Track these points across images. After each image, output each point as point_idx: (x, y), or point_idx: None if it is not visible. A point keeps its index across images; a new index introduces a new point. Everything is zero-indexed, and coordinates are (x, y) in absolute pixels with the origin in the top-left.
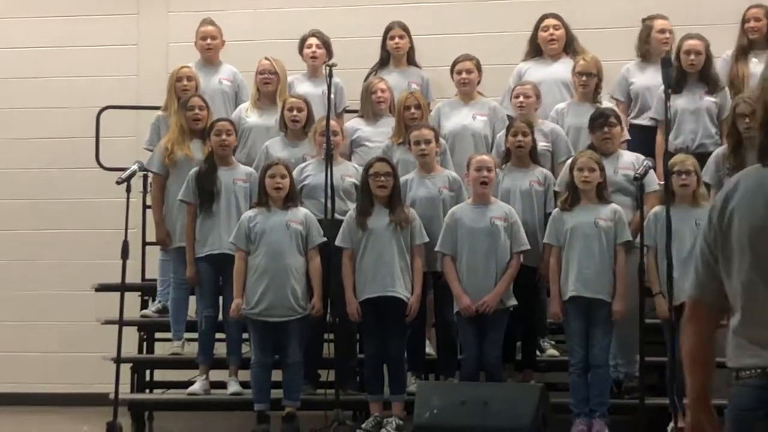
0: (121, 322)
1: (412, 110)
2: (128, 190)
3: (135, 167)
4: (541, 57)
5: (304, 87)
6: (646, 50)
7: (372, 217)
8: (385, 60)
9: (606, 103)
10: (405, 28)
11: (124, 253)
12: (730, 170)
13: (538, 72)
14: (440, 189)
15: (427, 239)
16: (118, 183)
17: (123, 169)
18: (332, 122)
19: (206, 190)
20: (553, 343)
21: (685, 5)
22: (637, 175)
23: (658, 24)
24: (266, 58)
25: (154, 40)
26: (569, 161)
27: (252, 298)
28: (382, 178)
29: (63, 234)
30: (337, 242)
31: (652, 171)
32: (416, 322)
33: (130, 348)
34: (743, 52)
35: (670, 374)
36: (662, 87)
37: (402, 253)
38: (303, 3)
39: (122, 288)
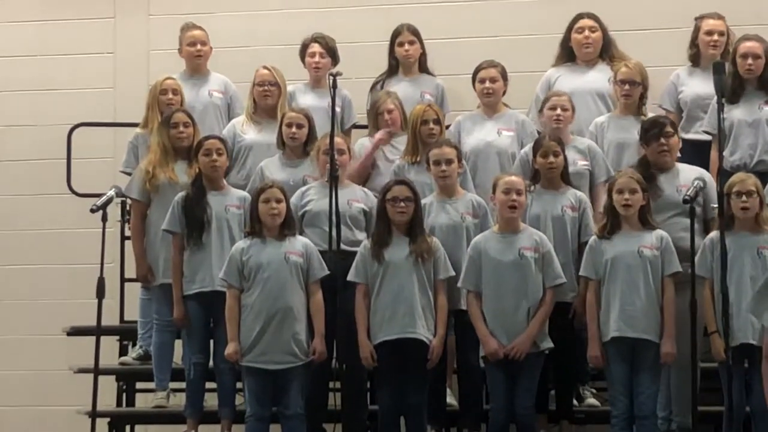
0: (97, 371)
1: (431, 125)
2: (104, 219)
3: (112, 193)
4: (574, 63)
5: (306, 99)
6: (696, 54)
7: (390, 247)
8: (393, 68)
9: (652, 115)
10: (415, 32)
11: (100, 292)
12: None
13: (570, 80)
14: (463, 215)
15: (452, 273)
16: (92, 211)
17: (98, 195)
18: (338, 139)
19: (195, 219)
20: (593, 391)
21: (743, 2)
22: (687, 197)
23: (706, 24)
24: (265, 67)
25: (133, 47)
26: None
27: (247, 342)
28: (402, 204)
29: (30, 269)
30: (350, 277)
31: (713, 190)
32: (436, 368)
33: (108, 400)
34: None
35: (727, 425)
36: (716, 96)
37: (424, 288)
38: (303, 3)
39: (98, 332)
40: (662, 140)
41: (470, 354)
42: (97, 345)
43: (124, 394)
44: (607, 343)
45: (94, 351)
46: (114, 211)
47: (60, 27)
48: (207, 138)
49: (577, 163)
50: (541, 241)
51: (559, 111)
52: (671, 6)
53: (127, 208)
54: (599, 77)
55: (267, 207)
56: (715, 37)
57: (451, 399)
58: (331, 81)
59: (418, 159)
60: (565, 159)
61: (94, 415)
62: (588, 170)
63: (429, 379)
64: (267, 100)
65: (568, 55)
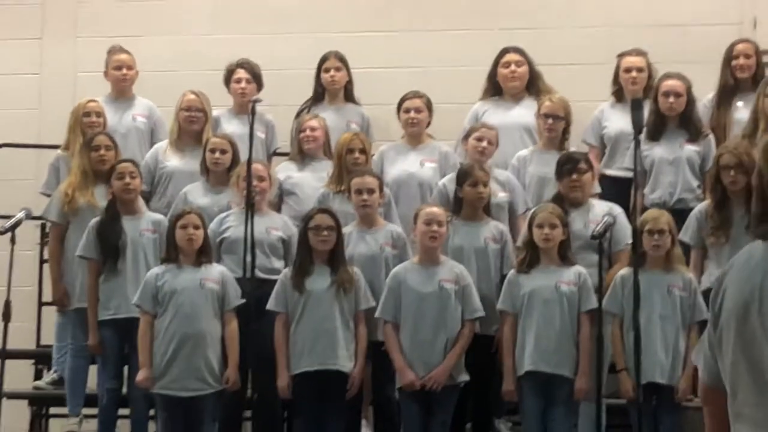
0: (0, 395)
1: (356, 154)
2: (13, 241)
3: (21, 215)
4: (501, 97)
5: (231, 125)
6: (619, 90)
7: (311, 277)
8: (319, 95)
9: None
10: (342, 59)
11: (6, 315)
12: (714, 229)
13: (497, 115)
14: (382, 246)
15: (373, 303)
16: (1, 233)
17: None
18: (259, 166)
19: (109, 244)
20: (509, 424)
21: (665, 38)
22: (595, 233)
23: (625, 62)
24: (192, 92)
25: (59, 68)
26: (529, 216)
27: (159, 368)
28: (325, 233)
29: None
30: (270, 306)
31: (623, 225)
32: (353, 399)
33: (22, 425)
34: (727, 94)
35: None
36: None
37: (345, 319)
38: (231, 29)
39: (2, 355)
40: (574, 176)
41: (387, 385)
42: (1, 369)
43: (42, 420)
44: (521, 377)
45: None
46: (33, 234)
47: None
48: (121, 161)
49: (498, 194)
50: (461, 274)
51: (485, 143)
52: (598, 41)
53: (47, 230)
54: (526, 112)
55: (184, 233)
56: (633, 74)
57: (366, 430)
58: (250, 107)
59: (343, 188)
60: (489, 192)
61: None
62: (508, 202)
63: (346, 410)
64: (193, 125)
65: (494, 88)
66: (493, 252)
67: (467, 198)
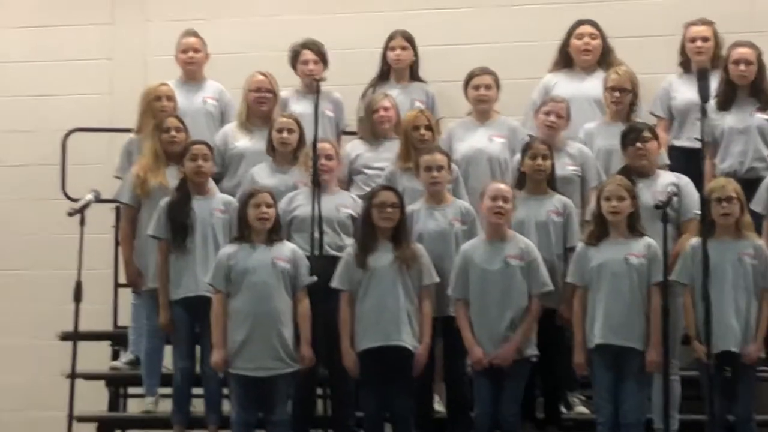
0: (74, 375)
1: (422, 131)
2: (82, 223)
3: (90, 197)
4: (572, 69)
5: (300, 106)
6: (686, 61)
7: (374, 254)
8: (384, 74)
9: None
10: (409, 38)
11: (77, 296)
12: None
13: (568, 86)
14: (452, 222)
15: (437, 279)
16: (69, 215)
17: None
18: (327, 145)
19: (179, 223)
20: (582, 398)
21: (734, 8)
22: (658, 203)
23: (690, 31)
24: (261, 73)
25: (130, 53)
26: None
27: (233, 348)
28: (389, 209)
29: (25, 275)
30: (334, 284)
31: (691, 194)
32: (424, 375)
33: (101, 405)
34: None
35: None
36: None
37: (409, 295)
38: (299, 9)
39: (75, 337)
40: (638, 144)
41: (458, 361)
42: (74, 349)
43: (121, 400)
44: (592, 350)
45: (71, 356)
46: (109, 216)
47: (58, 33)
48: (194, 143)
49: (566, 167)
50: (527, 249)
51: (553, 117)
52: (666, 12)
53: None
54: (597, 84)
55: (257, 211)
56: (699, 43)
57: (438, 406)
58: (315, 86)
59: (410, 165)
60: (553, 165)
61: (70, 419)
62: (577, 175)
63: (414, 386)
64: (262, 106)
65: (565, 60)
66: (555, 225)
67: (528, 171)
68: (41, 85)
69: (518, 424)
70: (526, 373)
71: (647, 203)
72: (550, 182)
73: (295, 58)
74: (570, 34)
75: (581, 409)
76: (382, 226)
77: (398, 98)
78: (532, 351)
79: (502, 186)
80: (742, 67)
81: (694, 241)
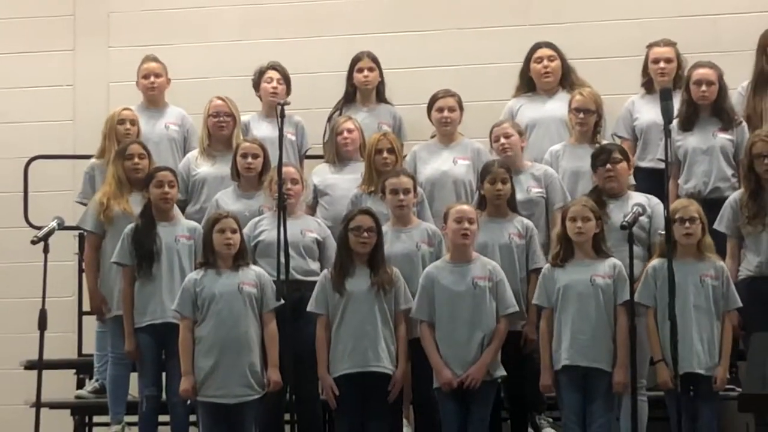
0: (39, 404)
1: (385, 154)
2: (45, 250)
3: (53, 224)
4: (534, 93)
5: (261, 129)
6: (649, 82)
7: (351, 278)
8: (350, 95)
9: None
10: (375, 60)
11: (42, 324)
12: (750, 218)
13: (532, 110)
14: (418, 243)
15: (412, 303)
16: (33, 243)
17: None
18: (291, 169)
19: (144, 250)
20: (550, 420)
21: (696, 29)
22: (624, 223)
23: (653, 52)
24: (219, 98)
25: (92, 79)
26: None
27: (201, 375)
28: (365, 234)
29: None
30: (310, 307)
31: (661, 215)
32: (394, 399)
33: None
34: (763, 81)
35: None
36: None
37: (385, 320)
38: (259, 34)
39: (40, 365)
40: (609, 166)
41: (425, 384)
42: (39, 378)
43: (85, 428)
44: (559, 371)
45: (36, 385)
46: (72, 244)
47: (20, 60)
48: (158, 169)
49: (531, 190)
50: (494, 270)
51: (502, 140)
52: (628, 33)
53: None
54: (560, 105)
55: (222, 237)
56: (662, 64)
57: (407, 430)
58: (278, 111)
59: (374, 188)
60: (513, 187)
61: None
62: (542, 197)
63: (389, 410)
64: (222, 131)
65: (527, 84)
66: (517, 248)
67: (488, 195)
68: (2, 112)
69: None
70: (493, 395)
71: (616, 224)
72: (511, 204)
73: (259, 78)
74: (529, 58)
75: (549, 430)
76: (359, 250)
77: (365, 121)
78: (500, 372)
79: (467, 207)
80: (703, 87)
81: (656, 262)
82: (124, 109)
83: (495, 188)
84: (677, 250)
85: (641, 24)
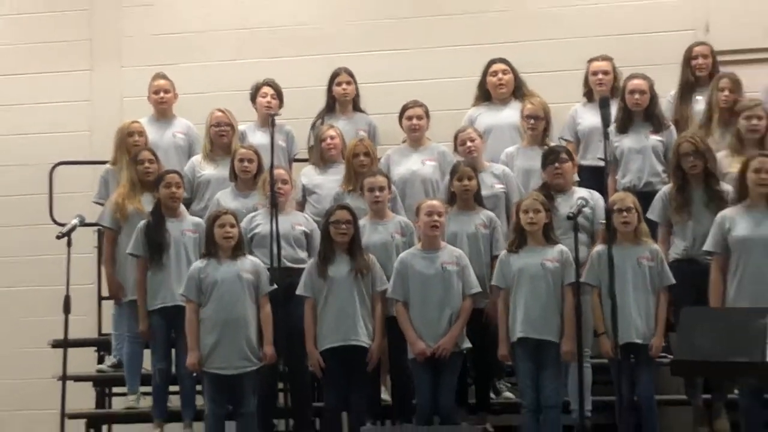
0: (65, 377)
1: (361, 158)
2: (69, 244)
3: (75, 221)
4: (491, 102)
5: (256, 137)
6: (589, 92)
7: (333, 265)
8: (331, 106)
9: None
10: (351, 74)
11: (66, 308)
12: (677, 209)
13: (489, 117)
14: (393, 234)
15: (387, 285)
16: (58, 238)
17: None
18: (281, 171)
19: (155, 243)
20: (509, 385)
21: (630, 46)
22: (569, 214)
23: (592, 66)
24: (219, 110)
25: (107, 94)
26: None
27: (206, 350)
28: (343, 226)
29: (20, 291)
30: (299, 291)
31: (601, 207)
32: (372, 369)
33: (89, 403)
34: (688, 90)
35: (618, 412)
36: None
37: (363, 300)
38: (254, 54)
39: (65, 344)
40: (556, 165)
41: (401, 356)
42: (65, 355)
43: (107, 398)
44: (514, 343)
45: (62, 360)
46: (92, 238)
47: (44, 78)
48: (167, 172)
49: (494, 186)
50: (460, 256)
51: (468, 143)
52: (571, 50)
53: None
54: (513, 113)
55: (222, 231)
56: (599, 76)
57: (385, 395)
58: (270, 121)
59: (353, 187)
60: (478, 183)
61: (62, 416)
62: (504, 192)
63: (368, 379)
64: (222, 138)
65: (484, 95)
66: (483, 237)
67: (456, 191)
68: (30, 124)
69: (454, 410)
70: (460, 363)
71: (563, 215)
72: (477, 199)
73: (255, 93)
74: (485, 72)
75: (508, 394)
76: (338, 240)
77: (344, 128)
78: (466, 344)
79: (436, 203)
80: (636, 96)
81: (599, 247)
82: (133, 122)
83: (463, 185)
84: (617, 236)
85: (582, 42)
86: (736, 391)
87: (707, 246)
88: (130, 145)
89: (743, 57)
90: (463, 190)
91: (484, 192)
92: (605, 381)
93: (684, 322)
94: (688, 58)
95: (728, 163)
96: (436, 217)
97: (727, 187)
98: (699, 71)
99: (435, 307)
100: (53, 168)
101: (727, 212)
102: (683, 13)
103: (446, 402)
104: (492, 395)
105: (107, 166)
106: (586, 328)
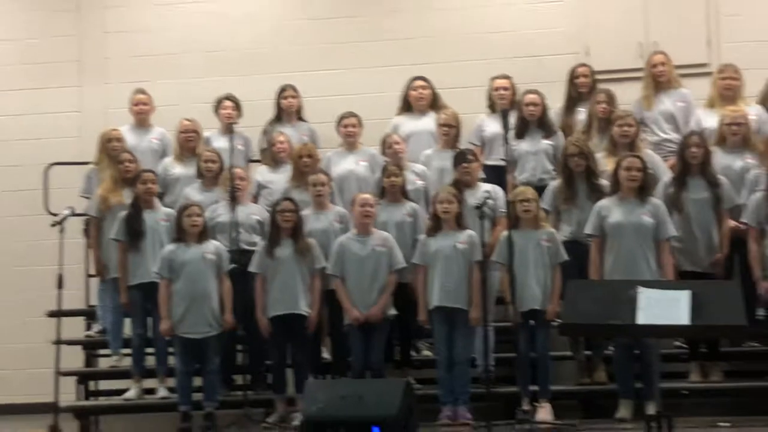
0: (59, 342)
1: (306, 159)
2: (62, 231)
3: (67, 212)
4: (412, 112)
5: (219, 142)
6: (492, 104)
7: (279, 247)
8: (279, 116)
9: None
10: (296, 90)
11: (60, 284)
12: (565, 200)
13: (410, 125)
14: (332, 222)
15: (324, 264)
16: (52, 226)
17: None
18: (239, 170)
19: (134, 230)
20: (427, 345)
21: (526, 67)
22: (476, 205)
23: (494, 83)
24: (187, 120)
25: (94, 107)
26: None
27: (175, 318)
28: (288, 214)
29: (21, 270)
30: (251, 268)
31: (501, 199)
32: (315, 333)
33: (79, 363)
34: (572, 103)
35: (519, 366)
36: (505, 133)
37: (304, 276)
38: (218, 73)
39: (59, 314)
40: (465, 165)
41: (339, 322)
42: (59, 323)
43: (92, 359)
44: (432, 310)
45: (56, 327)
46: (80, 226)
47: (41, 93)
48: (144, 171)
49: (416, 182)
50: (387, 239)
51: (393, 147)
52: (478, 70)
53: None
54: (430, 122)
55: (189, 220)
56: (501, 92)
57: (325, 354)
58: (229, 129)
59: (298, 184)
60: (404, 179)
61: (57, 374)
62: (424, 187)
63: (309, 341)
64: (189, 143)
65: (407, 106)
66: (407, 224)
67: (386, 186)
68: (29, 131)
69: (382, 365)
70: (387, 328)
71: (472, 206)
72: (403, 193)
73: (218, 105)
74: (408, 88)
75: (426, 352)
76: (284, 226)
77: (290, 134)
78: (392, 311)
79: (368, 196)
80: (531, 108)
81: (504, 232)
82: (113, 130)
83: (390, 181)
84: (521, 222)
85: (486, 63)
86: (611, 348)
87: (587, 230)
88: (109, 149)
89: (617, 76)
90: (390, 186)
91: (407, 187)
92: (509, 341)
93: (570, 292)
94: (572, 77)
95: (605, 162)
96: (368, 208)
97: (605, 182)
98: (581, 88)
99: (367, 282)
100: (48, 168)
101: (603, 202)
102: (568, 39)
103: (376, 359)
104: (413, 353)
105: (91, 166)
106: (490, 298)
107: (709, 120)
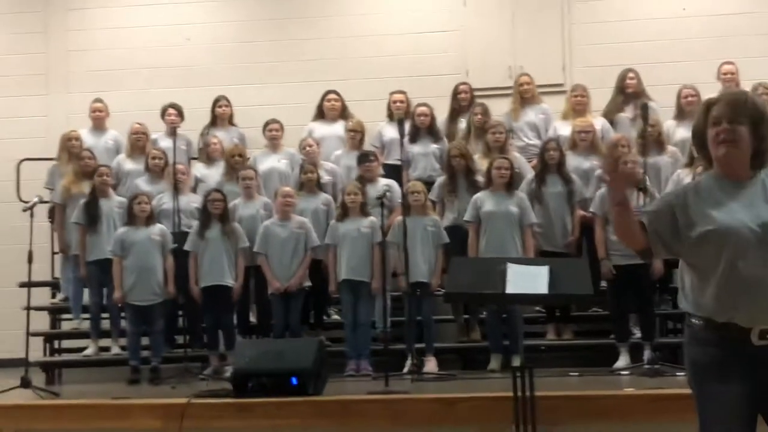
0: (29, 308)
1: (236, 157)
2: (32, 215)
3: (35, 200)
4: (325, 119)
5: (165, 142)
6: (390, 113)
7: (209, 230)
8: (213, 121)
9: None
10: (228, 100)
11: (30, 259)
12: (448, 192)
13: (323, 129)
14: (258, 210)
15: (248, 244)
16: (23, 211)
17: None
18: (181, 166)
19: (92, 215)
20: (336, 310)
21: (418, 83)
22: (377, 197)
23: (392, 97)
24: (138, 123)
25: (58, 112)
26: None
27: (126, 288)
28: (217, 203)
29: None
30: (186, 247)
31: (397, 192)
32: (242, 301)
33: (45, 326)
34: (455, 114)
35: (407, 328)
36: (400, 138)
37: (229, 254)
38: (163, 85)
39: (29, 285)
40: (367, 164)
41: (263, 291)
42: (29, 292)
43: (57, 322)
44: (340, 282)
45: (27, 296)
46: (46, 212)
47: (13, 100)
48: (101, 166)
49: (326, 177)
50: (304, 223)
51: (308, 148)
52: (380, 85)
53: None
54: (340, 127)
55: (139, 207)
56: (398, 104)
57: (252, 318)
58: (173, 131)
59: (230, 178)
60: (318, 175)
61: (27, 334)
62: (332, 182)
63: (234, 308)
64: (139, 143)
65: (321, 114)
66: (321, 211)
67: (303, 180)
68: (4, 132)
69: (299, 327)
70: (303, 296)
71: (373, 197)
72: (318, 186)
73: (164, 112)
74: (322, 99)
75: (335, 316)
76: (213, 212)
77: (223, 137)
78: (308, 283)
79: (288, 189)
80: (422, 118)
81: (399, 218)
82: (72, 131)
83: (308, 176)
84: (412, 210)
85: (386, 80)
86: (485, 312)
87: (466, 217)
88: (69, 147)
89: (491, 93)
90: (307, 180)
91: (321, 181)
92: (400, 307)
93: (452, 267)
94: (455, 92)
95: (481, 162)
96: (288, 199)
97: (480, 179)
98: (462, 102)
99: (287, 258)
100: (20, 163)
101: (479, 195)
102: (452, 61)
103: (294, 322)
104: (325, 317)
105: (54, 162)
106: (387, 272)
107: (564, 129)
